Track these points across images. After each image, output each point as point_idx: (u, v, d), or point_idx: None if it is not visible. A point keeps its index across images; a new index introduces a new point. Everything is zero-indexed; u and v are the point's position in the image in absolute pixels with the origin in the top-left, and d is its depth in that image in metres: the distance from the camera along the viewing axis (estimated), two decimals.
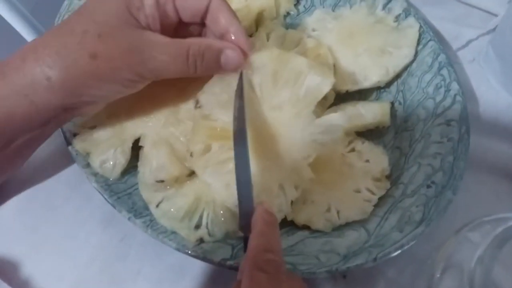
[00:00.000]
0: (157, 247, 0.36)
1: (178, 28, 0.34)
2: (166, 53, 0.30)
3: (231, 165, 0.33)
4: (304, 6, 0.47)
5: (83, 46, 0.29)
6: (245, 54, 0.33)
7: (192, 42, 0.32)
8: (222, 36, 0.33)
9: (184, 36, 0.32)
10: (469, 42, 0.46)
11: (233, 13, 0.33)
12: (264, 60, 0.35)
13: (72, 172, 0.40)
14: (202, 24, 0.34)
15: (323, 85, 0.35)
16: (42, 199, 0.39)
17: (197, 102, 0.35)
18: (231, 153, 0.33)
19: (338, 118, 0.35)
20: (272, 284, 0.25)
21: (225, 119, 0.34)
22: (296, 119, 0.35)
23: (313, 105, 0.35)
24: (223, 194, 0.33)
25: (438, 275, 0.27)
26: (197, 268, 0.36)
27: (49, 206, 0.39)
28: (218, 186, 0.33)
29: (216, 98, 0.35)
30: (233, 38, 0.33)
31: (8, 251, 0.36)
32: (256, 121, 0.34)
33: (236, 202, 0.32)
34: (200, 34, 0.35)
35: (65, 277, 0.36)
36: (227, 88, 0.34)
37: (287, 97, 0.35)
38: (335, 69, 0.41)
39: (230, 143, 0.33)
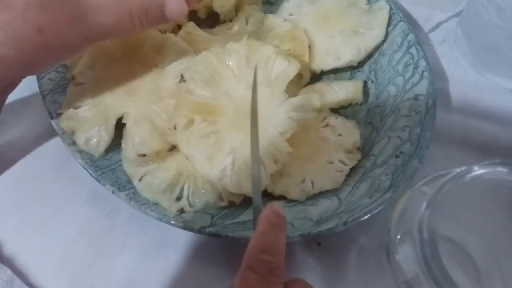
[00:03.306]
0: (141, 221, 0.37)
1: None
2: (109, 16, 0.31)
3: (213, 139, 0.35)
4: None
5: (28, 21, 0.29)
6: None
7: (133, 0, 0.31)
8: None
9: None
10: (439, 24, 0.48)
11: None
12: (237, 45, 0.37)
13: (59, 152, 0.40)
14: None
15: (290, 69, 0.37)
16: (30, 179, 0.40)
17: (181, 76, 0.37)
18: (214, 127, 0.35)
19: (310, 97, 0.38)
20: (261, 285, 0.23)
21: (207, 94, 0.36)
22: (270, 97, 0.36)
23: (284, 86, 0.37)
24: (205, 166, 0.34)
25: (398, 237, 0.28)
26: (179, 240, 0.37)
27: (37, 185, 0.40)
28: (200, 159, 0.35)
29: (200, 75, 0.36)
30: None
31: None
32: (234, 99, 0.36)
33: (219, 175, 0.34)
34: None
35: (52, 252, 0.37)
36: (210, 67, 0.37)
37: (260, 78, 0.37)
38: (311, 50, 0.43)
39: (212, 117, 0.35)
